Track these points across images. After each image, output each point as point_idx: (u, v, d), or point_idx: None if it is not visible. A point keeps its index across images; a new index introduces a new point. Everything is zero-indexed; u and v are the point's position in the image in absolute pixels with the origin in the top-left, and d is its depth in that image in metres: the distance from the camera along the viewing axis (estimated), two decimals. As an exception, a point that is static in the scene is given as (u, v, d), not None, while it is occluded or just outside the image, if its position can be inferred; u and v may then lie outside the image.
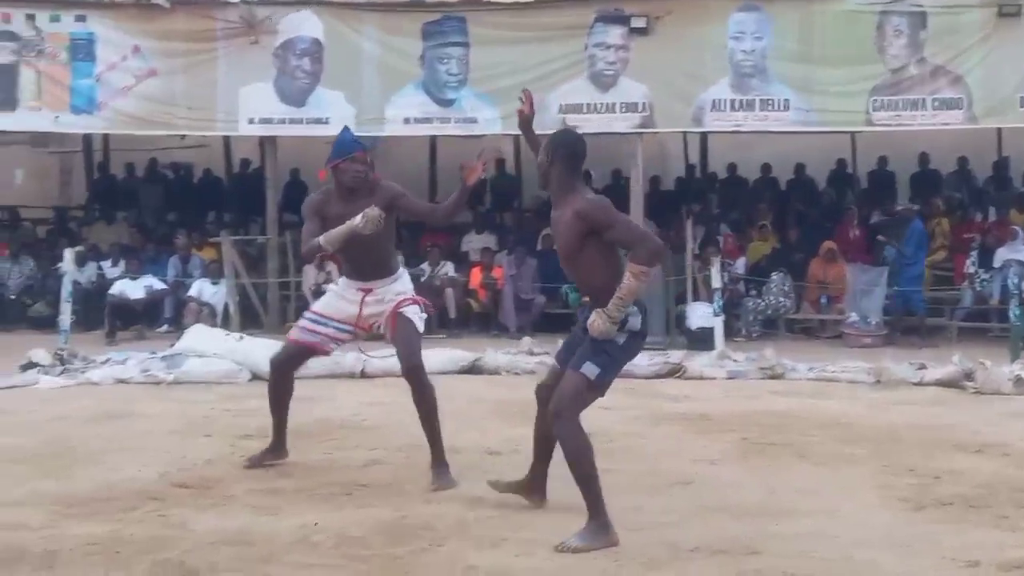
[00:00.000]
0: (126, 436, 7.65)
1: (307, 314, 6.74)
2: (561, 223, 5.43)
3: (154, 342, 13.34)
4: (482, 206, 18.51)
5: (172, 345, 11.25)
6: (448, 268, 15.56)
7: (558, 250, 5.57)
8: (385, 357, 8.13)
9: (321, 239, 6.27)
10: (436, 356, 11.15)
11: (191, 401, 9.18)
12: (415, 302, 6.57)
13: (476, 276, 15.46)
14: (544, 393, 5.67)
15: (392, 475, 6.49)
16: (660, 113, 14.31)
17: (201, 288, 14.94)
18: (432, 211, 6.80)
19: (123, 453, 7.05)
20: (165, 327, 15.03)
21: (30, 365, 10.65)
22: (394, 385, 9.63)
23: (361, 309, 6.49)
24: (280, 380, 6.67)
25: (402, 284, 6.61)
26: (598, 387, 5.36)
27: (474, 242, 16.77)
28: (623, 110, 14.36)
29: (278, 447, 6.78)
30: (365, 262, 6.50)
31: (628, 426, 8.14)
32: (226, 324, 13.98)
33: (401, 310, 6.46)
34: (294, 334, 6.67)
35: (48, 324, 14.69)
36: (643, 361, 11.00)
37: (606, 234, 5.28)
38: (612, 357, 5.34)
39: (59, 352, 10.99)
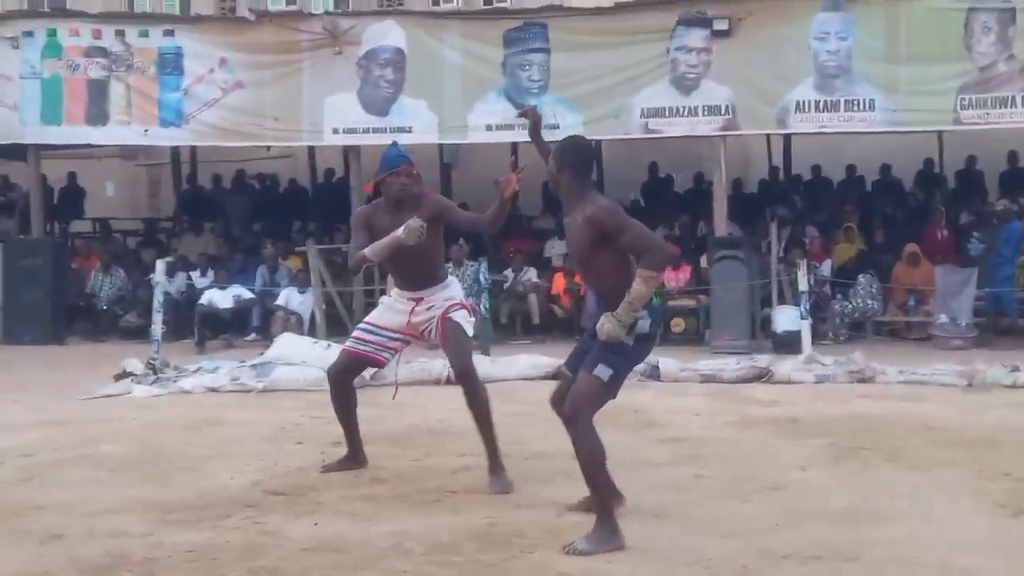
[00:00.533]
0: (219, 444, 7.77)
1: (360, 325, 6.90)
2: (573, 229, 5.52)
3: (243, 351, 13.55)
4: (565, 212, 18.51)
5: (261, 354, 11.40)
6: (531, 274, 15.60)
7: (571, 255, 5.68)
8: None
9: (367, 251, 6.42)
10: (520, 362, 11.21)
11: (281, 409, 9.31)
12: (463, 307, 6.69)
13: (559, 282, 15.48)
14: (559, 403, 5.73)
15: (481, 481, 6.51)
16: (743, 115, 14.22)
17: (288, 297, 15.12)
18: (477, 222, 6.88)
19: (217, 460, 7.18)
20: (253, 336, 15.24)
21: (124, 374, 10.87)
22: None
23: (410, 317, 6.63)
24: (339, 391, 6.81)
25: (451, 291, 6.73)
26: (610, 388, 5.44)
27: (557, 248, 16.78)
28: (706, 113, 14.28)
29: (355, 455, 6.91)
30: (413, 272, 6.64)
31: (717, 431, 8.11)
32: (313, 332, 14.13)
33: (450, 315, 6.58)
34: (347, 345, 6.84)
35: (140, 334, 15.00)
36: (730, 365, 10.97)
37: (617, 239, 5.34)
38: (623, 358, 5.43)
39: (152, 361, 11.20)
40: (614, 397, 5.52)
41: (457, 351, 6.53)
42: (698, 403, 9.43)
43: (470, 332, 6.67)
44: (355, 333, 6.85)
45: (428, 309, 6.64)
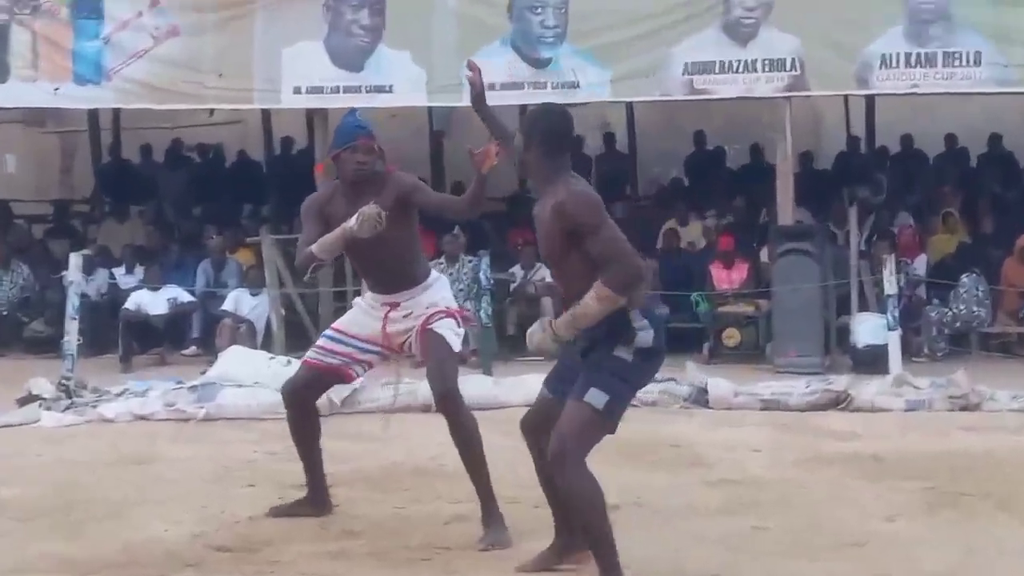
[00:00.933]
0: (150, 486, 7.79)
1: (326, 332, 6.98)
2: (541, 218, 5.58)
3: (180, 368, 13.58)
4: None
5: (203, 372, 11.43)
6: (544, 272, 15.61)
7: (540, 250, 5.78)
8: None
9: (314, 247, 6.48)
10: (529, 383, 11.17)
11: (228, 442, 9.34)
12: (449, 315, 6.73)
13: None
14: (534, 432, 5.81)
15: (481, 534, 6.53)
16: (813, 72, 14.20)
17: (238, 300, 15.13)
18: (450, 205, 6.92)
19: (148, 507, 7.19)
20: (193, 349, 15.27)
21: (30, 398, 10.90)
22: (479, 420, 9.75)
23: (385, 326, 6.70)
24: (298, 413, 6.90)
25: (434, 293, 6.79)
26: (607, 418, 5.42)
27: (577, 239, 16.80)
28: (766, 69, 14.27)
29: (317, 498, 6.99)
30: (381, 272, 6.72)
31: (781, 471, 8.14)
32: (268, 345, 14.17)
33: (431, 325, 6.63)
34: (310, 355, 6.91)
35: (49, 346, 15.02)
36: (797, 388, 10.99)
37: (584, 240, 5.39)
38: (621, 380, 5.42)
39: (64, 381, 11.22)
40: (613, 431, 5.53)
41: (438, 370, 6.57)
42: (757, 436, 9.44)
43: (456, 347, 6.71)
44: (319, 342, 6.94)
45: (405, 317, 6.70)
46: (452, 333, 6.67)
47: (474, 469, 6.59)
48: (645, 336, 5.42)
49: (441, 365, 6.57)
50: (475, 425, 6.61)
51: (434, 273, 6.95)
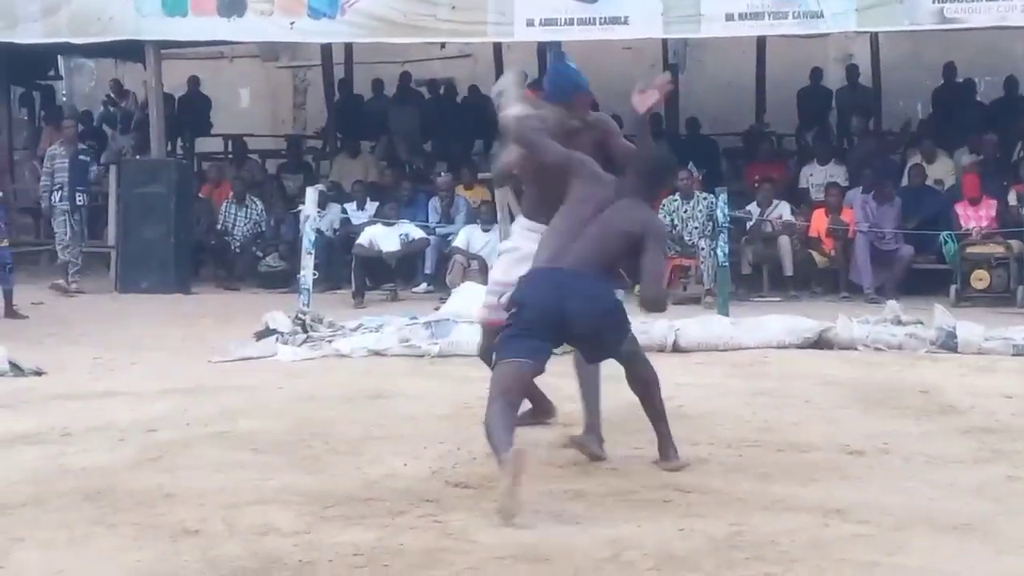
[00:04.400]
0: (387, 421, 7.94)
1: (489, 288, 7.17)
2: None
3: (412, 304, 13.82)
4: (826, 126, 18.26)
5: (436, 308, 11.59)
6: (783, 210, 15.44)
7: None
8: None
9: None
10: (772, 324, 11.14)
11: (463, 379, 9.41)
12: None
13: (819, 220, 15.29)
14: None
15: (722, 477, 6.52)
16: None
17: (469, 237, 15.31)
18: (630, 158, 6.88)
19: (385, 442, 7.33)
20: (424, 286, 15.52)
21: (267, 332, 11.20)
22: (717, 362, 9.73)
23: None
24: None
25: None
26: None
27: (816, 175, 16.57)
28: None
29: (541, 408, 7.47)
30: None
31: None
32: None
33: None
34: (485, 315, 7.12)
35: (282, 281, 15.45)
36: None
37: None
38: None
39: (300, 316, 11.51)
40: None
41: None
42: (1010, 382, 9.22)
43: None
44: (489, 300, 7.10)
45: None
46: None
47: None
48: None
49: None
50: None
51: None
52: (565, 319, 6.25)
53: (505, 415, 6.23)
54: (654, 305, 6.49)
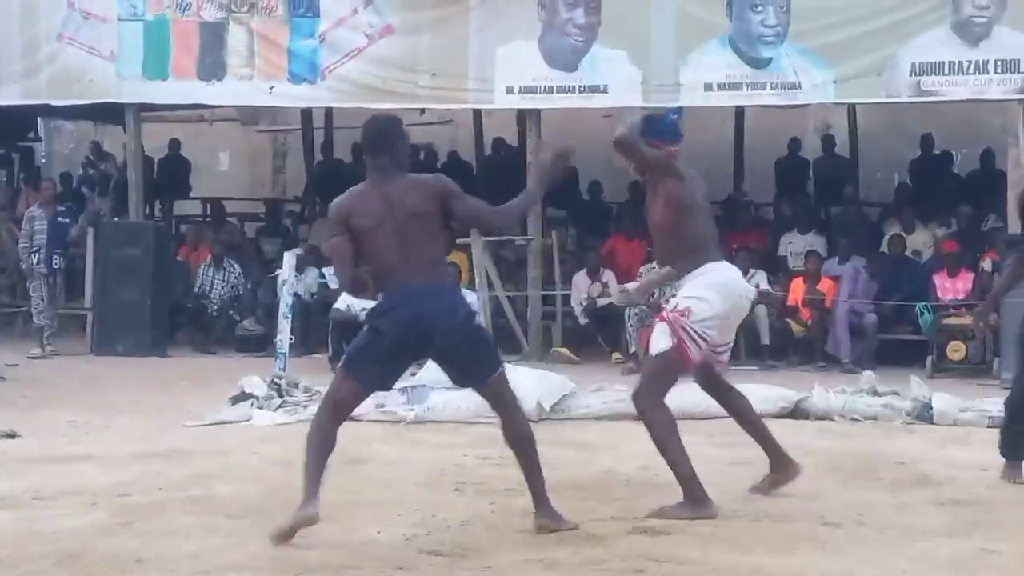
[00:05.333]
0: (362, 487, 7.93)
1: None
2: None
3: (389, 370, 13.76)
4: (805, 195, 18.35)
5: (414, 374, 11.57)
6: (760, 278, 15.48)
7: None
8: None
9: None
10: (749, 393, 11.07)
11: (439, 445, 9.46)
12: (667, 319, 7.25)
13: (798, 289, 15.34)
14: None
15: (698, 547, 6.50)
16: (1050, 73, 13.89)
17: (350, 300, 15.24)
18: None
19: (360, 509, 7.33)
20: (402, 351, 15.47)
21: (242, 396, 11.17)
22: (694, 431, 9.71)
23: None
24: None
25: (691, 285, 7.30)
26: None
27: (795, 244, 16.63)
28: (999, 70, 14.01)
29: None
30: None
31: (1014, 492, 7.97)
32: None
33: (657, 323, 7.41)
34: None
35: (258, 345, 15.42)
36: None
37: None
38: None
39: (276, 380, 11.49)
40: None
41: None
42: (986, 455, 9.19)
43: (664, 344, 7.17)
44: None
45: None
46: (663, 336, 7.18)
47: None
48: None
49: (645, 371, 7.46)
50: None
51: (709, 265, 7.31)
52: None
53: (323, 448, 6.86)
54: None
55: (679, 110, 7.92)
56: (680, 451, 7.20)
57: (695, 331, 7.14)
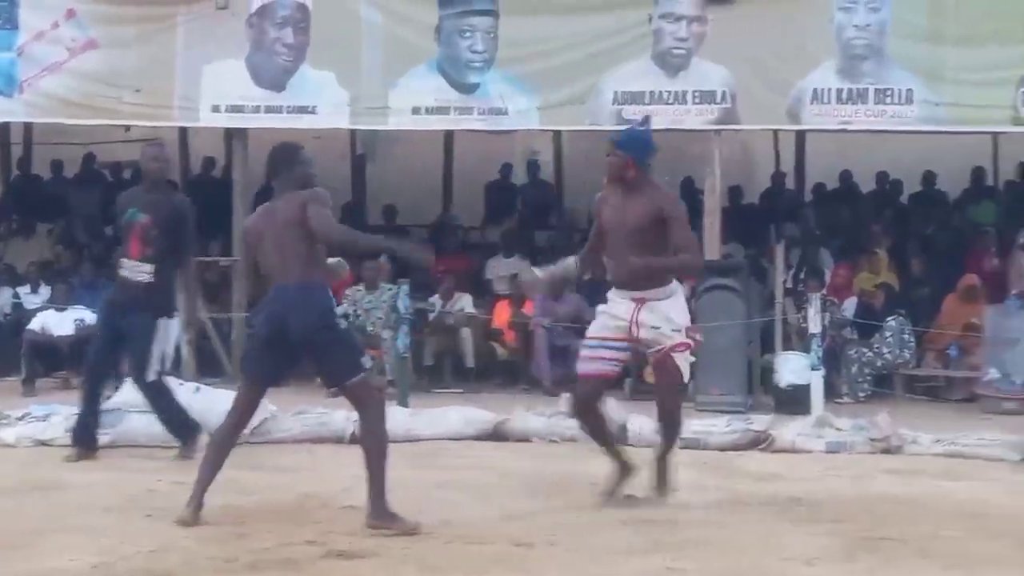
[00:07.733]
0: (51, 514, 7.74)
1: (587, 342, 8.29)
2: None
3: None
4: (510, 221, 18.60)
5: (108, 397, 11.33)
6: (465, 302, 15.63)
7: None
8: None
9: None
10: (450, 416, 11.26)
11: (132, 470, 9.30)
12: (687, 346, 8.12)
13: (502, 313, 15.52)
14: None
15: (388, 570, 6.53)
16: (744, 105, 14.38)
17: (44, 321, 14.97)
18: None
19: (48, 536, 7.14)
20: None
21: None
22: (395, 452, 9.74)
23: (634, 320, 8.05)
24: (589, 420, 8.40)
25: (675, 308, 8.14)
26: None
27: (500, 268, 16.83)
28: (697, 100, 14.43)
29: (624, 469, 8.34)
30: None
31: (699, 512, 8.18)
32: (178, 370, 14.06)
33: (674, 354, 8.09)
34: (589, 368, 8.22)
35: (-53, 368, 14.87)
36: (718, 427, 11.06)
37: None
38: None
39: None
40: None
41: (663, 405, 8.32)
42: (680, 476, 9.47)
43: (685, 375, 8.22)
44: (585, 352, 8.26)
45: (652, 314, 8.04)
46: (685, 364, 8.13)
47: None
48: None
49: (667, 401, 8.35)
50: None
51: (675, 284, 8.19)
52: None
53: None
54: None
55: (647, 119, 8.85)
56: None
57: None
